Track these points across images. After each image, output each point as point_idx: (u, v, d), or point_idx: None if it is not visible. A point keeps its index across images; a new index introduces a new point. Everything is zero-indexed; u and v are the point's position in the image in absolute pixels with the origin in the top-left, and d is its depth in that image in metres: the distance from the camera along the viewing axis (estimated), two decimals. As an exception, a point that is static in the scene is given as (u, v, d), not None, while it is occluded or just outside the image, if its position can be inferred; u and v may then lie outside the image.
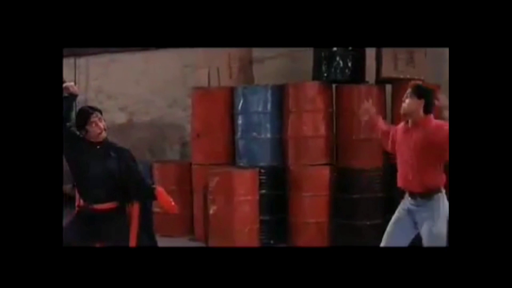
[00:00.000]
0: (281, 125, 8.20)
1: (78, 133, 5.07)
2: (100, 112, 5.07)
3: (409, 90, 4.98)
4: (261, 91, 8.27)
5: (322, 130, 8.02)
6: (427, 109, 4.94)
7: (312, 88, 8.06)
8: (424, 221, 4.87)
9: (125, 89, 10.81)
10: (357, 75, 8.12)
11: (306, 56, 8.44)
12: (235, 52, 8.56)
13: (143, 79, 10.62)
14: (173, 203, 5.00)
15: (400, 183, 5.09)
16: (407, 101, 4.96)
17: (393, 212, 4.87)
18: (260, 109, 8.20)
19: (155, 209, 5.27)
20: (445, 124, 4.75)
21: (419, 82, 5.16)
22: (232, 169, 8.04)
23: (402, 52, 7.83)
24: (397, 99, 7.99)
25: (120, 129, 10.71)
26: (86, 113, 5.00)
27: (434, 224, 4.81)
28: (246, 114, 8.23)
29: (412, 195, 4.97)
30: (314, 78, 8.26)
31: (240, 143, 8.31)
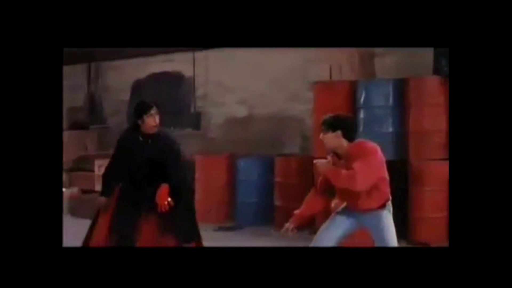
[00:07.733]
0: (403, 119, 8.19)
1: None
2: (158, 108, 5.50)
3: (321, 127, 4.84)
4: (383, 85, 8.29)
5: (443, 124, 7.95)
6: (349, 137, 4.83)
7: (433, 83, 8.05)
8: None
9: (245, 83, 10.92)
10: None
11: (426, 50, 8.40)
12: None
13: (263, 73, 10.66)
14: (166, 203, 5.32)
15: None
16: (325, 137, 4.84)
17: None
18: (382, 103, 8.23)
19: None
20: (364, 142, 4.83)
21: (327, 116, 4.97)
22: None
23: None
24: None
25: (240, 122, 10.92)
26: (147, 106, 5.49)
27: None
28: (368, 108, 8.27)
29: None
30: (435, 72, 8.21)
31: (362, 137, 8.28)
